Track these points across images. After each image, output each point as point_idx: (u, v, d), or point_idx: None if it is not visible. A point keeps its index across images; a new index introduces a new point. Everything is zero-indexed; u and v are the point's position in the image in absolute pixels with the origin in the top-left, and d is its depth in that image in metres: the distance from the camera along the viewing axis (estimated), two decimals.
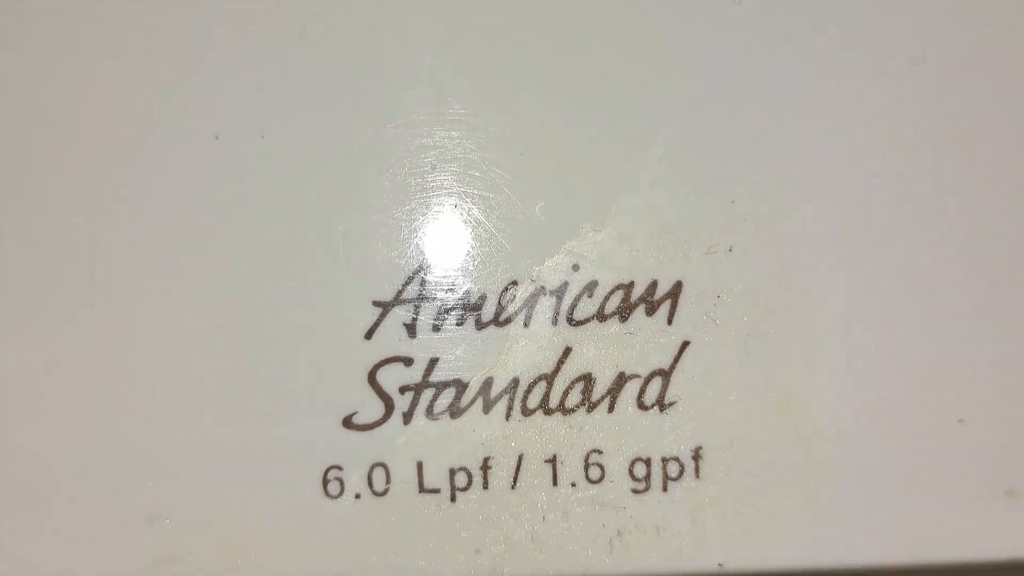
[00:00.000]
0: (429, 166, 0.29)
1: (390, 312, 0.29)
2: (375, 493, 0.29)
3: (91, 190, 0.28)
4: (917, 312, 0.29)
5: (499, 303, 0.29)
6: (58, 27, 0.28)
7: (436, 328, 0.29)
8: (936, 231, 0.29)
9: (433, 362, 0.29)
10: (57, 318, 0.28)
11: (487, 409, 0.29)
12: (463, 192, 0.29)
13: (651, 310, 0.29)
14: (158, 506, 0.28)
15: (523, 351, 0.29)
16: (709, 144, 0.29)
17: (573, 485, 0.29)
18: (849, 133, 0.29)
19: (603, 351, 0.29)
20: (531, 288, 0.29)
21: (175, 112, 0.28)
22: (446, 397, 0.29)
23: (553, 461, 0.29)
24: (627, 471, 0.29)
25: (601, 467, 0.29)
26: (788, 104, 0.29)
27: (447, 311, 0.29)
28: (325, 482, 0.29)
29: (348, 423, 0.29)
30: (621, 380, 0.29)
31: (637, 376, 0.29)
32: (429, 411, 0.29)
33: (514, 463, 0.29)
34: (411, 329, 0.29)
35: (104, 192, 0.28)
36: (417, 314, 0.29)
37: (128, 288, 0.28)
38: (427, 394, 0.29)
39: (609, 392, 0.29)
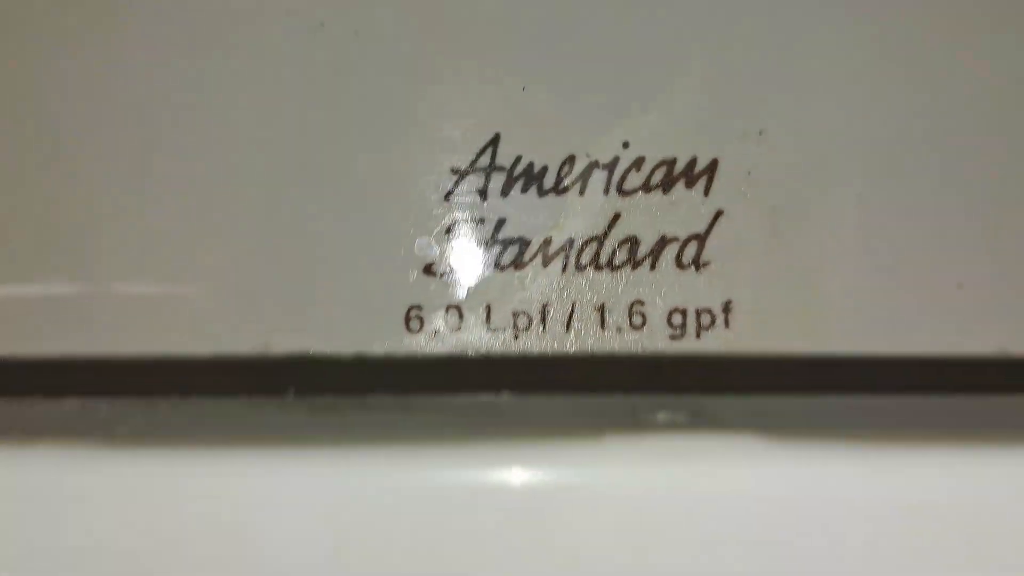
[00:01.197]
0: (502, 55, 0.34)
1: (465, 178, 0.34)
2: (450, 330, 0.34)
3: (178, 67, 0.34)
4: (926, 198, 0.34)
5: (558, 175, 0.34)
6: None
7: (504, 194, 0.34)
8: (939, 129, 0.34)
9: (501, 222, 0.34)
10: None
11: (546, 264, 0.34)
12: (531, 78, 0.34)
13: (690, 183, 0.34)
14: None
15: (578, 216, 0.34)
16: (744, 48, 0.34)
17: (619, 330, 0.34)
18: (879, 39, 0.34)
19: (647, 217, 0.34)
20: (586, 162, 0.34)
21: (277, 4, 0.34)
22: (511, 252, 0.34)
23: (602, 309, 0.34)
24: (666, 320, 0.34)
25: (643, 316, 0.34)
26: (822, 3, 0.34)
27: (514, 179, 0.34)
28: (407, 319, 0.33)
29: (428, 271, 0.34)
30: (662, 242, 0.34)
31: (676, 239, 0.34)
32: (497, 264, 0.34)
33: (568, 309, 0.34)
34: (483, 194, 0.34)
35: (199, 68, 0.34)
36: (488, 181, 0.34)
37: (229, 146, 0.34)
38: (495, 249, 0.34)
39: (651, 252, 0.34)
